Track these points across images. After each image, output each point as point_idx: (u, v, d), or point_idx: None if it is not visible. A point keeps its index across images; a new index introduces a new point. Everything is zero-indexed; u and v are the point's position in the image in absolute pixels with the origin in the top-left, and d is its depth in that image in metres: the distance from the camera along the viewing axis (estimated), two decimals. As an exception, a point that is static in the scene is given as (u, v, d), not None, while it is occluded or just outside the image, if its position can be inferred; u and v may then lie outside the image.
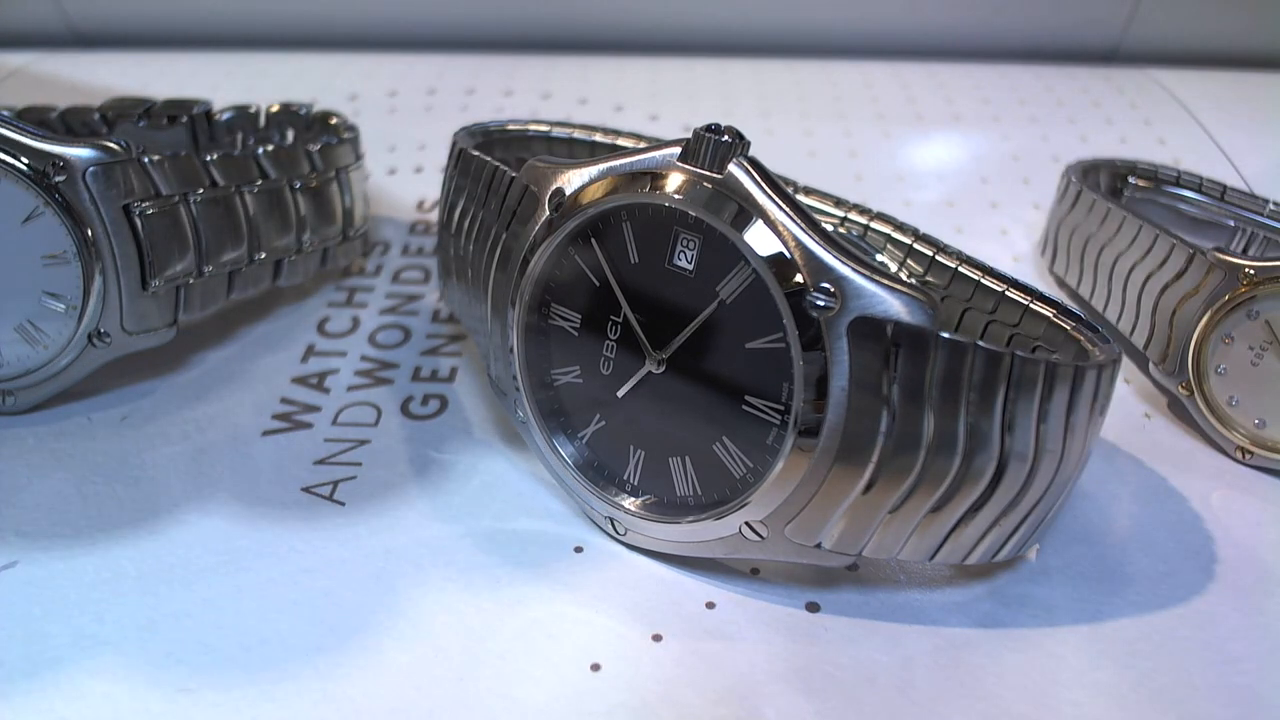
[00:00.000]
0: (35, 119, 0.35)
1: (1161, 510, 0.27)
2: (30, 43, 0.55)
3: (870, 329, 0.20)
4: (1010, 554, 0.23)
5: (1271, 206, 0.32)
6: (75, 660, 0.22)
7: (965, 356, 0.20)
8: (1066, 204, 0.34)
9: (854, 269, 0.20)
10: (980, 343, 0.20)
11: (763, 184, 0.21)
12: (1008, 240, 0.39)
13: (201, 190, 0.29)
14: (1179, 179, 0.34)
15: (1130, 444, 0.29)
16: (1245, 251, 0.33)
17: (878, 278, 0.20)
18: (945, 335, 0.20)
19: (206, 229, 0.29)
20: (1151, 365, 0.30)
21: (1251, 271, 0.28)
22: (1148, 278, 0.30)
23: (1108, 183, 0.36)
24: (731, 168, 0.22)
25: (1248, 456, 0.29)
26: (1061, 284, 0.35)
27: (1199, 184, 0.34)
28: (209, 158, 0.29)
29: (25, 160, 0.26)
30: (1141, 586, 0.25)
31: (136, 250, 0.27)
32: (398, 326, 0.34)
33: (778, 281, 0.21)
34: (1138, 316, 0.31)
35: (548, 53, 0.55)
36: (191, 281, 0.29)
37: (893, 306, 0.20)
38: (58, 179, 0.26)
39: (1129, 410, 0.31)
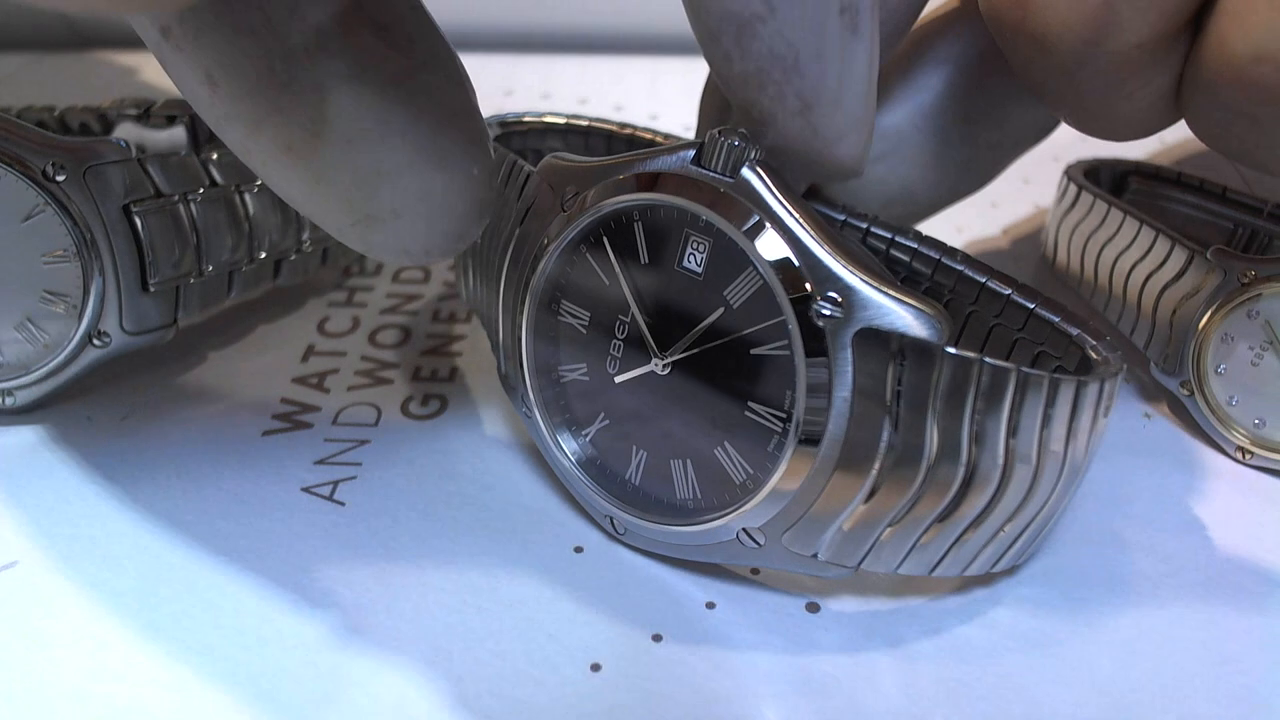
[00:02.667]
0: (35, 119, 0.35)
1: (1161, 510, 0.27)
2: (30, 43, 0.55)
3: (876, 340, 0.20)
4: (1009, 564, 0.23)
5: (1271, 207, 0.32)
6: (75, 660, 0.22)
7: (971, 371, 0.20)
8: (1066, 203, 0.34)
9: (863, 279, 0.20)
10: (987, 359, 0.20)
11: (775, 189, 0.21)
12: (1008, 240, 0.39)
13: (201, 190, 0.29)
14: (1179, 179, 0.34)
15: (1130, 444, 0.29)
16: (1245, 252, 0.33)
17: (886, 289, 0.20)
18: (952, 351, 0.20)
19: (206, 228, 0.29)
20: (1152, 365, 0.30)
21: (1252, 271, 0.28)
22: (1148, 277, 0.30)
23: (1108, 182, 0.36)
24: (745, 171, 0.22)
25: (1248, 456, 0.29)
26: (1062, 284, 0.35)
27: (1199, 184, 0.34)
28: (209, 157, 0.29)
29: (25, 159, 0.26)
30: (1141, 586, 0.25)
31: (136, 250, 0.27)
32: (398, 326, 0.34)
33: (784, 288, 0.21)
34: (1138, 316, 0.31)
35: (548, 53, 0.55)
36: (191, 281, 0.29)
37: (900, 319, 0.20)
38: (58, 178, 0.26)
39: (1129, 410, 0.31)
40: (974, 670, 0.23)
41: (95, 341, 0.28)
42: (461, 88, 0.21)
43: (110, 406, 0.30)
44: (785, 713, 0.22)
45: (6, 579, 0.24)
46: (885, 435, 0.21)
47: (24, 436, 0.28)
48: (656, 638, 0.23)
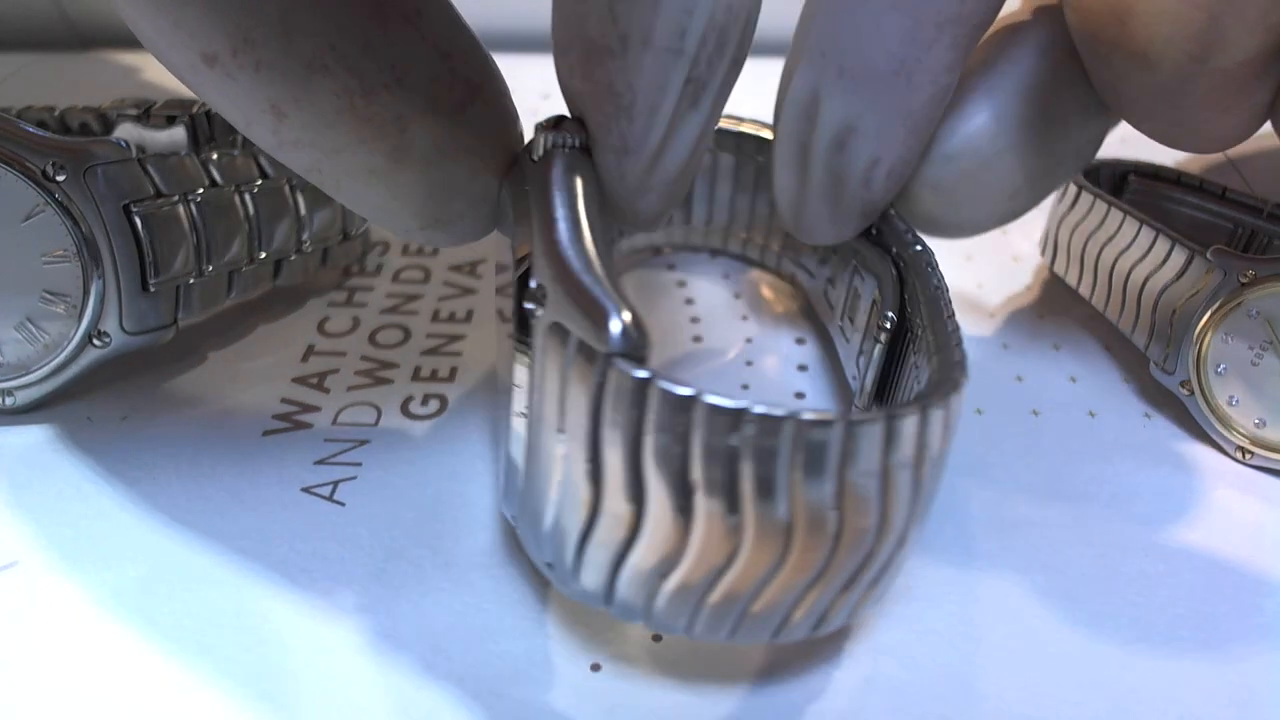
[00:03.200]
0: (35, 119, 0.35)
1: (1161, 510, 0.27)
2: (30, 43, 0.55)
3: (561, 337, 0.19)
4: (838, 623, 0.20)
5: (1271, 207, 0.32)
6: (76, 661, 0.22)
7: (627, 388, 0.17)
8: (1067, 203, 0.34)
9: (562, 273, 0.19)
10: (661, 381, 0.17)
11: (558, 177, 0.20)
12: (1008, 240, 0.39)
13: (201, 190, 0.29)
14: (1179, 179, 0.34)
15: (1130, 444, 0.29)
16: (1245, 251, 0.33)
17: (580, 286, 0.18)
18: (626, 368, 0.17)
19: (206, 229, 0.29)
20: (1151, 365, 0.30)
21: (1251, 271, 0.28)
22: (1148, 277, 0.30)
23: (1108, 182, 0.36)
24: (554, 162, 0.21)
25: (1248, 456, 0.29)
26: (1062, 283, 0.35)
27: (1199, 184, 0.34)
28: (208, 157, 0.29)
29: (25, 159, 0.26)
30: (1141, 586, 0.25)
31: (136, 250, 0.27)
32: (398, 326, 0.34)
33: (518, 281, 0.20)
34: (1138, 316, 0.31)
35: (548, 53, 0.55)
36: (191, 281, 0.29)
37: (576, 319, 0.18)
38: (58, 178, 0.26)
39: (1129, 410, 0.31)
40: (974, 670, 0.23)
41: (95, 341, 0.28)
42: (507, 94, 0.22)
43: (110, 406, 0.30)
44: (787, 712, 0.22)
45: (6, 579, 0.24)
46: (560, 446, 0.18)
47: (24, 437, 0.28)
48: (656, 638, 0.23)
